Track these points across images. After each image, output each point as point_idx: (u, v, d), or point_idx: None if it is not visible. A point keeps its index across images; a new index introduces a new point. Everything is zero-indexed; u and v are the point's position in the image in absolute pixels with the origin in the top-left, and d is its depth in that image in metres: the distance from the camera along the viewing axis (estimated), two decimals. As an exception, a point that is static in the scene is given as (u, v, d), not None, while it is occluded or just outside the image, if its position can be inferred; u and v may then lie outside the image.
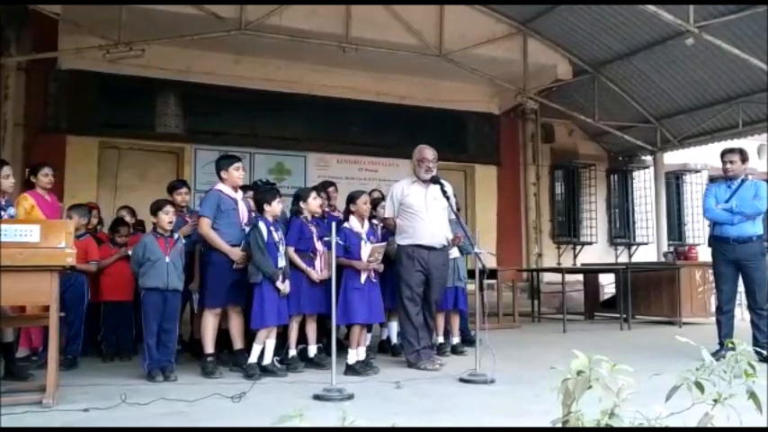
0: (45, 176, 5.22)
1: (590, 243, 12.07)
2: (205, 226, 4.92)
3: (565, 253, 11.92)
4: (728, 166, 5.74)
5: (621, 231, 12.58)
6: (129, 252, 5.30)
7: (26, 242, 3.70)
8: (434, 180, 5.35)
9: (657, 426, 1.44)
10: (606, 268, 10.14)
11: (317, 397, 3.89)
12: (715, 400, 1.46)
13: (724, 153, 5.84)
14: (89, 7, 7.77)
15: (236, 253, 4.87)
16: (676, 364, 1.78)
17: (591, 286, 10.17)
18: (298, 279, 5.00)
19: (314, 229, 5.18)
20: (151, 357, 4.62)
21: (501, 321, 8.35)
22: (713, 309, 6.72)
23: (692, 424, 1.45)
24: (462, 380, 4.57)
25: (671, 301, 8.84)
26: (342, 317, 4.86)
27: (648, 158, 11.91)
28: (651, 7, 7.58)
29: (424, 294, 5.34)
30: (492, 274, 7.58)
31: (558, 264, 11.52)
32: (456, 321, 6.33)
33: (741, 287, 5.76)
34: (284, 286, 4.79)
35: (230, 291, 4.88)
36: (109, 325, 5.77)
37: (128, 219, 6.37)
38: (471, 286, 5.91)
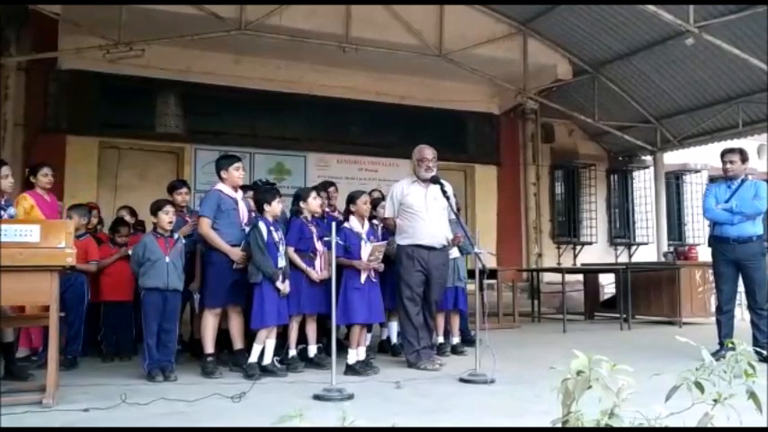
0: (44, 176, 5.22)
1: (590, 243, 12.07)
2: (205, 226, 4.93)
3: (565, 253, 11.92)
4: (728, 166, 5.74)
5: (621, 231, 12.58)
6: (129, 252, 5.30)
7: (26, 242, 3.70)
8: (434, 180, 5.35)
9: (657, 426, 1.44)
10: (606, 268, 10.14)
11: (317, 397, 3.89)
12: (715, 400, 1.46)
13: (724, 153, 5.84)
14: (89, 7, 7.77)
15: (236, 253, 4.87)
16: (676, 364, 1.78)
17: (591, 286, 10.17)
18: (298, 279, 5.00)
19: (314, 229, 5.18)
20: (151, 357, 4.62)
21: (501, 321, 8.35)
22: (713, 309, 6.72)
23: (692, 424, 1.45)
24: (462, 380, 4.57)
25: (671, 301, 8.84)
26: (342, 317, 4.86)
27: (648, 158, 11.91)
28: (651, 7, 7.58)
29: (424, 294, 5.34)
30: (492, 274, 7.58)
31: (558, 264, 11.52)
32: (456, 321, 6.33)
33: (741, 287, 5.76)
34: (284, 286, 4.79)
35: (230, 291, 4.88)
36: (109, 325, 5.77)
37: (128, 219, 6.37)
38: (471, 286, 5.91)
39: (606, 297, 10.29)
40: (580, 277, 10.39)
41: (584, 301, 10.23)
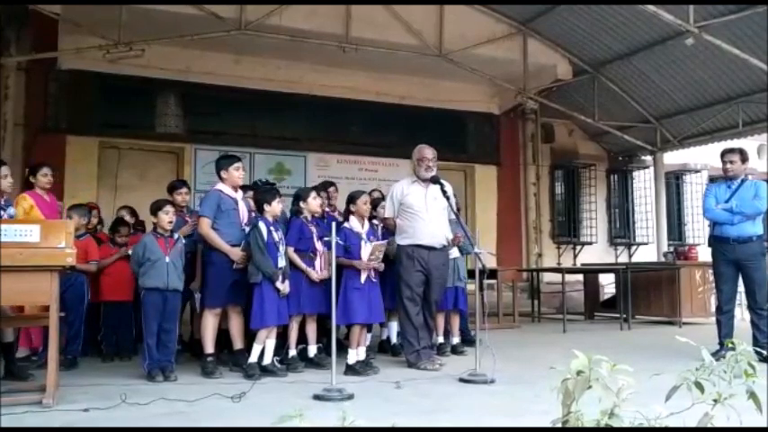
0: (44, 176, 5.22)
1: (590, 243, 12.07)
2: (205, 226, 4.93)
3: (565, 253, 11.92)
4: (728, 166, 5.74)
5: (621, 231, 12.58)
6: (129, 252, 5.30)
7: (26, 242, 3.70)
8: (434, 180, 5.35)
9: (657, 426, 1.44)
10: (606, 268, 10.14)
11: (317, 397, 3.89)
12: (715, 400, 1.46)
13: (724, 153, 5.83)
14: (89, 7, 7.77)
15: (236, 253, 4.87)
16: (676, 364, 1.78)
17: (591, 286, 10.17)
18: (297, 279, 5.00)
19: (314, 229, 5.18)
20: (151, 357, 4.62)
21: (501, 321, 8.35)
22: (713, 309, 6.72)
23: (692, 424, 1.45)
24: (462, 380, 4.57)
25: (671, 301, 8.84)
26: (342, 317, 4.86)
27: (648, 158, 11.91)
28: (651, 7, 7.58)
29: (424, 294, 5.34)
30: (492, 274, 7.58)
31: (558, 264, 11.52)
32: (456, 321, 6.33)
33: (741, 287, 5.75)
34: (284, 286, 4.79)
35: (230, 291, 4.88)
36: (109, 325, 5.77)
37: (128, 219, 6.36)
38: (471, 286, 5.91)
39: (606, 297, 10.29)
40: (580, 277, 10.39)
41: (584, 301, 10.23)
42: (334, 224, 4.61)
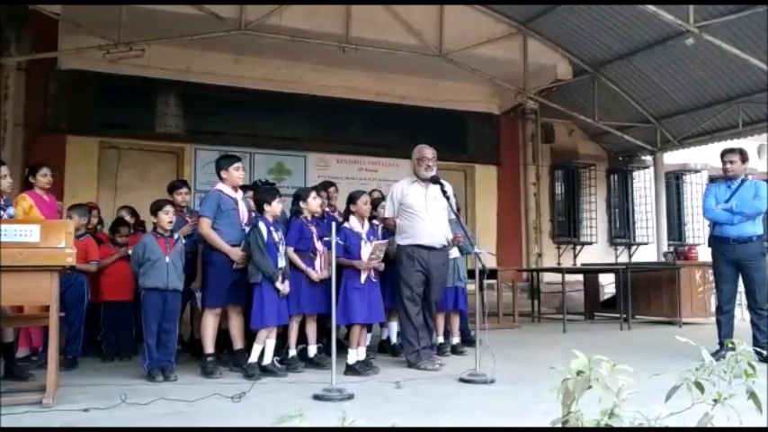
0: (44, 177, 5.22)
1: (590, 243, 12.07)
2: (205, 226, 4.93)
3: (565, 253, 11.92)
4: (728, 166, 5.74)
5: (621, 231, 12.58)
6: (129, 252, 5.30)
7: (26, 242, 3.70)
8: (434, 180, 5.35)
9: (657, 426, 1.44)
10: (606, 268, 10.14)
11: (316, 397, 3.89)
12: (715, 400, 1.46)
13: (724, 153, 5.83)
14: (89, 7, 7.77)
15: (236, 253, 4.87)
16: (676, 364, 1.78)
17: (591, 286, 10.17)
18: (297, 279, 5.00)
19: (314, 229, 5.18)
20: (151, 357, 4.62)
21: (501, 321, 8.35)
22: (713, 309, 6.72)
23: (692, 424, 1.45)
24: (462, 380, 4.57)
25: (671, 301, 8.84)
26: (342, 317, 4.86)
27: (648, 158, 11.91)
28: (651, 7, 7.58)
29: (423, 294, 5.34)
30: (492, 274, 7.58)
31: (558, 264, 11.52)
32: (456, 321, 6.33)
33: (741, 287, 5.75)
34: (284, 286, 4.79)
35: (230, 291, 4.88)
36: (109, 325, 5.77)
37: (128, 219, 6.36)
38: (471, 286, 5.91)
39: (606, 297, 10.29)
40: (580, 277, 10.39)
41: (584, 301, 10.23)
42: (334, 224, 4.61)
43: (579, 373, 1.42)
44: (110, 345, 5.71)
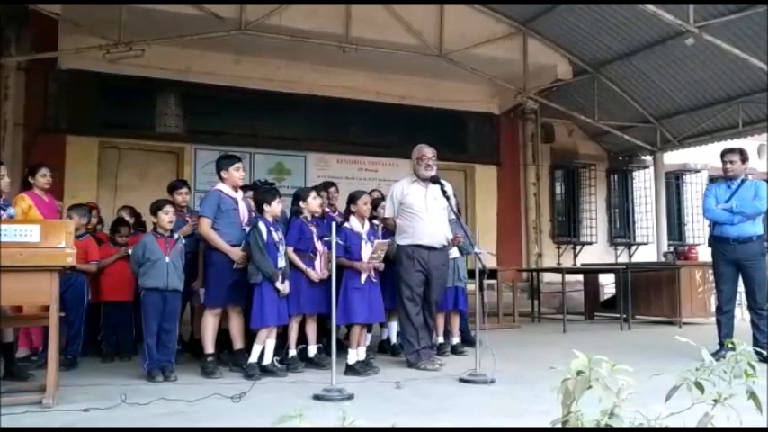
0: (43, 177, 5.23)
1: (590, 243, 12.07)
2: (205, 226, 4.93)
3: (565, 253, 11.92)
4: (728, 166, 5.74)
5: (621, 231, 12.58)
6: (129, 252, 5.30)
7: (26, 242, 3.70)
8: (434, 180, 5.35)
9: (657, 426, 1.44)
10: (606, 268, 10.14)
11: (316, 397, 3.89)
12: (715, 400, 1.45)
13: (724, 153, 5.83)
14: (89, 7, 7.77)
15: (236, 253, 4.87)
16: (676, 364, 1.78)
17: (591, 286, 10.17)
18: (297, 279, 5.00)
19: (314, 229, 5.18)
20: (151, 357, 4.62)
21: (501, 321, 8.35)
22: (713, 309, 6.72)
23: (692, 424, 1.44)
24: (462, 380, 4.57)
25: (671, 301, 8.84)
26: (342, 317, 4.86)
27: (648, 158, 11.91)
28: (651, 7, 7.58)
29: (424, 294, 5.34)
30: (492, 274, 7.58)
31: (558, 264, 11.52)
32: (456, 321, 6.33)
33: (741, 287, 5.75)
34: (284, 286, 4.79)
35: (230, 291, 4.88)
36: (109, 325, 5.77)
37: (128, 219, 6.36)
38: (471, 286, 5.91)
39: (606, 297, 10.29)
40: (580, 277, 10.39)
41: (584, 301, 10.23)
42: (333, 224, 4.60)
43: (579, 373, 1.42)
44: (110, 345, 5.71)
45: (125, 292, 5.68)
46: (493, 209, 11.50)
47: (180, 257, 4.84)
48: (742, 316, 6.65)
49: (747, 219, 5.56)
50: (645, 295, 9.13)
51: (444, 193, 5.31)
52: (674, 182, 12.97)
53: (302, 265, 5.04)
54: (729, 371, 1.49)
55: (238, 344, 5.00)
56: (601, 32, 9.39)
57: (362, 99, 10.32)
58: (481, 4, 9.64)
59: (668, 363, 3.90)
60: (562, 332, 7.85)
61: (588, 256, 11.74)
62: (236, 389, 4.11)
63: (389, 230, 5.57)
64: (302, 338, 5.22)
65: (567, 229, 12.09)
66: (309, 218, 5.22)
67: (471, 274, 5.71)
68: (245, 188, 5.45)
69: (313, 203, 5.23)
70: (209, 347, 4.90)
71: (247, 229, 4.94)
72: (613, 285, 9.90)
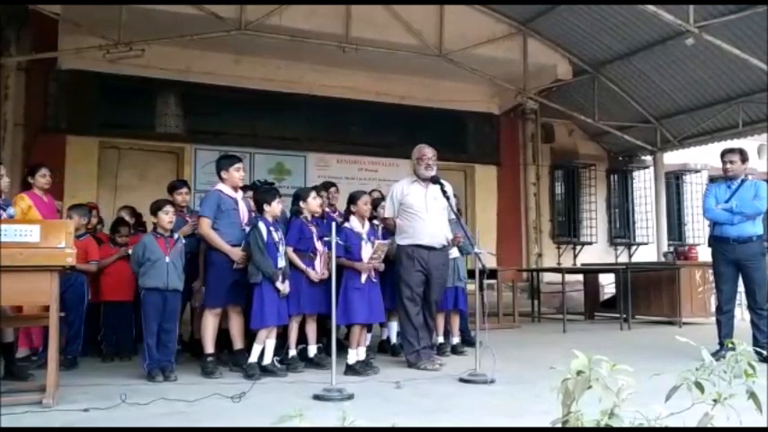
0: (42, 177, 5.23)
1: (590, 243, 12.07)
2: (205, 226, 4.93)
3: (565, 253, 11.92)
4: (728, 166, 5.74)
5: (621, 231, 12.58)
6: (129, 252, 5.30)
7: (26, 242, 3.70)
8: (434, 180, 5.35)
9: (657, 426, 1.44)
10: (606, 268, 10.14)
11: (316, 397, 3.89)
12: (715, 400, 1.46)
13: (724, 153, 5.83)
14: (89, 7, 7.77)
15: (236, 253, 4.87)
16: (676, 364, 1.78)
17: (591, 286, 10.17)
18: (297, 279, 5.00)
19: (314, 229, 5.18)
20: (151, 357, 4.62)
21: (501, 321, 8.35)
22: (713, 309, 6.72)
23: (692, 424, 1.45)
24: (462, 380, 4.57)
25: (671, 301, 8.84)
26: (342, 317, 4.86)
27: (648, 158, 11.91)
28: (651, 7, 7.58)
29: (423, 294, 5.34)
30: (492, 274, 7.58)
31: (558, 264, 11.52)
32: (456, 321, 6.33)
33: (741, 287, 5.75)
34: (284, 286, 4.79)
35: (230, 291, 4.88)
36: (109, 325, 5.77)
37: (128, 219, 6.36)
38: (471, 286, 5.91)
39: (606, 297, 10.29)
40: (580, 277, 10.39)
41: (584, 301, 10.23)
42: (333, 224, 4.60)
43: (579, 373, 1.42)
44: (110, 345, 5.71)
45: (125, 292, 5.68)
46: (493, 209, 11.50)
47: (180, 257, 4.84)
48: (742, 316, 6.65)
49: (747, 219, 5.56)
50: (645, 295, 9.13)
51: (444, 193, 5.31)
52: (674, 182, 12.97)
53: (302, 265, 5.04)
54: (729, 371, 1.49)
55: (238, 344, 5.00)
56: (601, 32, 9.39)
57: (362, 99, 10.32)
58: (481, 4, 9.64)
59: (668, 363, 3.90)
60: (562, 332, 7.85)
61: (588, 256, 11.73)
62: (236, 389, 4.11)
63: (389, 230, 5.57)
64: (302, 338, 5.22)
65: (567, 229, 12.09)
66: (309, 218, 5.22)
67: (471, 274, 5.71)
68: (245, 188, 5.45)
69: (313, 203, 5.23)
70: (209, 347, 4.90)
71: (247, 229, 4.94)
72: (613, 285, 9.90)
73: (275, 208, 4.96)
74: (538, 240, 11.59)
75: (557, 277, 9.22)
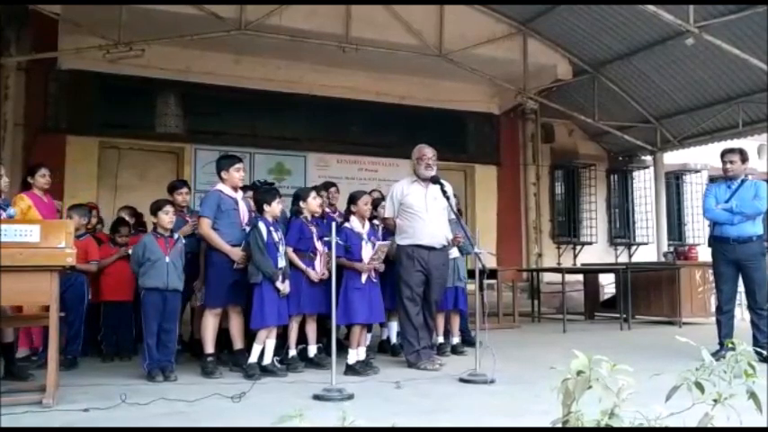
0: (42, 177, 5.23)
1: (590, 243, 12.07)
2: (205, 226, 4.93)
3: (565, 253, 11.92)
4: (728, 166, 5.74)
5: (621, 231, 12.58)
6: (129, 252, 5.30)
7: (26, 242, 3.70)
8: (434, 180, 5.35)
9: (657, 426, 1.44)
10: (606, 268, 10.14)
11: (316, 397, 3.89)
12: (715, 400, 1.46)
13: (724, 153, 5.83)
14: (89, 7, 7.77)
15: (236, 253, 4.87)
16: (676, 364, 1.78)
17: (591, 286, 10.17)
18: (297, 279, 5.00)
19: (314, 229, 5.18)
20: (151, 357, 4.62)
21: (501, 321, 8.35)
22: (713, 309, 6.72)
23: (692, 424, 1.45)
24: (462, 380, 4.57)
25: (671, 301, 8.84)
26: (342, 317, 4.86)
27: (648, 158, 11.91)
28: (651, 7, 7.58)
29: (424, 294, 5.34)
30: (492, 274, 7.58)
31: (558, 264, 11.52)
32: (456, 321, 6.33)
33: (741, 287, 5.75)
34: (284, 286, 4.79)
35: (230, 291, 4.88)
36: (109, 325, 5.77)
37: (128, 219, 6.36)
38: (471, 286, 5.91)
39: (606, 297, 10.29)
40: (580, 277, 10.39)
41: (584, 301, 10.23)
42: (334, 224, 4.60)
43: (579, 373, 1.42)
44: (110, 345, 5.71)
45: (125, 292, 5.68)
46: (493, 209, 11.50)
47: (180, 257, 4.84)
48: (742, 316, 6.65)
49: (747, 219, 5.56)
50: (645, 295, 9.13)
51: (444, 193, 5.31)
52: (674, 182, 12.97)
53: (302, 265, 5.04)
54: (729, 371, 1.49)
55: (238, 344, 5.00)
56: (601, 32, 9.39)
57: (362, 99, 10.32)
58: (481, 4, 9.64)
59: (668, 363, 3.90)
60: (562, 332, 7.85)
61: (588, 256, 11.73)
62: (236, 389, 4.11)
63: (389, 230, 5.57)
64: (302, 338, 5.22)
65: (567, 229, 12.09)
66: (309, 218, 5.22)
67: (471, 274, 5.71)
68: (245, 188, 5.45)
69: (313, 203, 5.23)
70: (209, 347, 4.90)
71: (247, 229, 4.94)
72: (613, 285, 9.90)
73: (275, 208, 4.96)
74: (538, 240, 11.59)
75: (557, 277, 9.22)
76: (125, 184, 9.19)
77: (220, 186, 5.09)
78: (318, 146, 10.38)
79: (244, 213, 5.10)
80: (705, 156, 12.15)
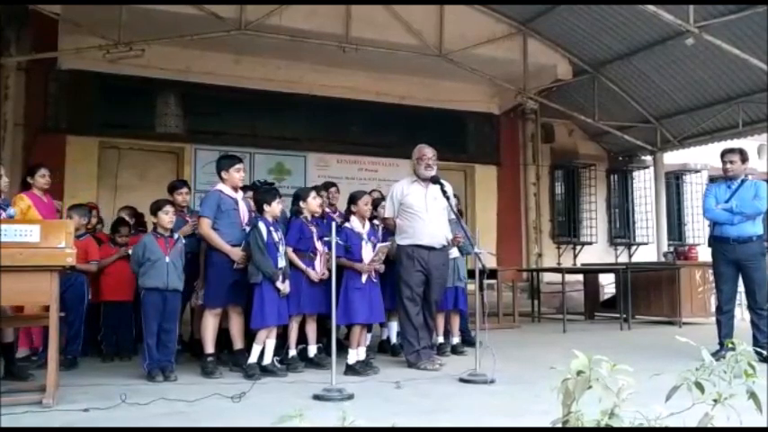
0: (42, 177, 5.23)
1: (590, 243, 12.07)
2: (205, 226, 4.93)
3: (565, 253, 11.92)
4: (728, 166, 5.74)
5: (621, 231, 12.58)
6: (129, 252, 5.30)
7: (26, 242, 3.70)
8: (434, 180, 5.35)
9: (657, 426, 1.44)
10: (606, 268, 10.14)
11: (316, 397, 3.89)
12: (715, 400, 1.45)
13: (724, 153, 5.83)
14: (89, 7, 7.77)
15: (236, 253, 4.87)
16: (676, 364, 1.78)
17: (591, 286, 10.17)
18: (298, 279, 5.00)
19: (314, 229, 5.18)
20: (151, 357, 4.62)
21: (501, 321, 8.35)
22: (713, 309, 6.72)
23: (692, 424, 1.44)
24: (462, 380, 4.57)
25: (671, 301, 8.84)
26: (342, 317, 4.86)
27: (648, 158, 11.91)
28: (651, 7, 7.58)
29: (423, 294, 5.34)
30: (492, 274, 7.58)
31: (558, 264, 11.52)
32: (456, 321, 6.33)
33: (741, 287, 5.75)
34: (284, 286, 4.79)
35: (230, 291, 4.88)
36: (109, 325, 5.77)
37: (128, 219, 6.36)
38: (471, 286, 5.91)
39: (606, 297, 10.29)
40: (580, 277, 10.39)
41: (584, 301, 10.23)
42: (334, 224, 4.60)
43: (579, 373, 1.42)
44: (110, 345, 5.71)
45: (125, 292, 5.68)
46: (493, 209, 11.50)
47: (180, 257, 4.84)
48: (742, 316, 6.65)
49: (747, 219, 5.56)
50: (645, 295, 9.13)
51: (444, 193, 5.31)
52: (674, 182, 12.97)
53: (302, 265, 5.04)
54: (729, 371, 1.49)
55: (238, 344, 5.00)
56: (601, 32, 9.39)
57: (362, 99, 10.32)
58: (481, 4, 9.64)
59: (668, 363, 3.90)
60: (562, 332, 7.85)
61: (588, 256, 11.73)
62: (236, 389, 4.11)
63: (389, 230, 5.57)
64: (302, 338, 5.22)
65: (567, 229, 12.09)
66: (309, 218, 5.23)
67: (471, 274, 5.70)
68: (245, 188, 5.45)
69: (313, 203, 5.23)
70: (210, 347, 4.90)
71: (247, 229, 4.94)
72: (613, 285, 9.90)
73: (275, 208, 4.96)
74: (538, 240, 11.59)
75: (557, 277, 9.22)
76: (125, 184, 9.19)
77: (220, 186, 5.09)
78: (318, 146, 10.38)
79: (244, 213, 5.10)
80: (705, 156, 12.15)
